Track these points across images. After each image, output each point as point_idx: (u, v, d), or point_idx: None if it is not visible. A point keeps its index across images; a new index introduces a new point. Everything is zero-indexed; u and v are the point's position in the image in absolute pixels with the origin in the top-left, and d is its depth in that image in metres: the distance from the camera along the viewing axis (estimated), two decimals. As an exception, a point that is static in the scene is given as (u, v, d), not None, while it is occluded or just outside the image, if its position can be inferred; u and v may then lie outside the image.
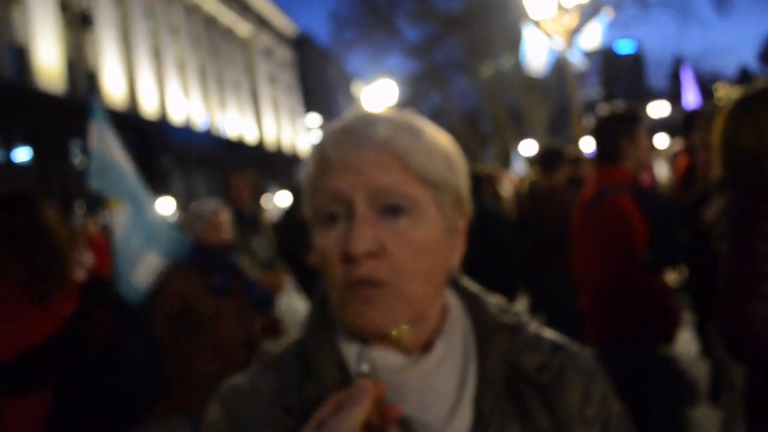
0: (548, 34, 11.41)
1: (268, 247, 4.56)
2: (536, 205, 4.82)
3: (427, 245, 0.73)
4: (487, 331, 0.80)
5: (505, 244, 4.46)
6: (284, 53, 42.06)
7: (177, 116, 26.86)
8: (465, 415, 0.75)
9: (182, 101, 27.66)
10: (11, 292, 1.92)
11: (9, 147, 17.84)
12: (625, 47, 72.23)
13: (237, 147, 31.88)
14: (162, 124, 25.21)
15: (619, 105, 2.89)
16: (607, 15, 12.42)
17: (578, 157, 5.30)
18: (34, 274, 1.93)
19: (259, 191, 5.33)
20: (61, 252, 2.01)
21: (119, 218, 4.06)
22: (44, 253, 1.96)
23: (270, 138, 36.92)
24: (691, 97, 9.29)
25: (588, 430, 0.80)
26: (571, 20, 10.96)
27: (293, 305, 4.49)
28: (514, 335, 0.80)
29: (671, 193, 4.60)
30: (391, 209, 0.71)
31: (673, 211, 3.22)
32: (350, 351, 0.77)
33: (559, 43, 11.18)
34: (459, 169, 0.78)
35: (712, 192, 1.86)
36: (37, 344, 1.91)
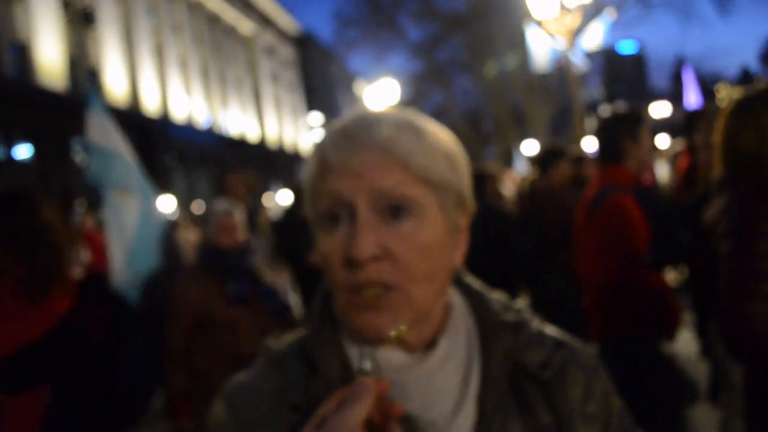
0: (551, 34, 11.40)
1: (266, 246, 4.56)
2: (536, 205, 4.83)
3: (430, 246, 0.72)
4: (490, 329, 0.80)
5: (508, 243, 4.46)
6: (287, 52, 42.05)
7: (179, 114, 26.87)
8: (468, 413, 0.75)
9: (184, 99, 27.66)
10: (10, 291, 1.93)
11: (10, 144, 17.86)
12: (627, 48, 72.12)
13: (239, 145, 31.88)
14: (164, 121, 25.22)
15: (623, 106, 2.92)
16: (609, 15, 12.42)
17: (581, 157, 5.29)
18: (33, 273, 1.94)
19: (253, 190, 5.31)
20: (60, 251, 2.02)
21: (128, 211, 3.92)
22: (43, 253, 1.97)
23: (272, 136, 36.92)
24: (692, 98, 9.28)
25: (589, 426, 0.80)
26: (574, 20, 10.95)
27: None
28: (517, 333, 0.80)
29: (672, 194, 4.60)
30: (394, 211, 0.71)
31: (674, 211, 3.23)
32: (354, 349, 0.78)
33: (561, 43, 11.18)
34: (461, 168, 0.77)
35: (712, 192, 1.86)
36: (35, 341, 1.92)
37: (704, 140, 2.83)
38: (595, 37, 11.65)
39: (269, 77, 38.09)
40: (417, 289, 0.72)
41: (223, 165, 22.53)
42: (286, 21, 41.83)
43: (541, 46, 12.27)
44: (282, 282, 4.42)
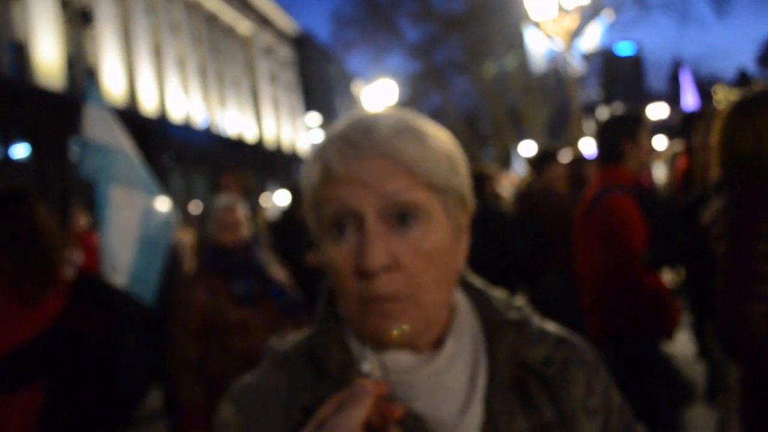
0: (549, 36, 11.42)
1: (264, 246, 4.56)
2: (531, 206, 4.87)
3: (438, 251, 0.73)
4: (495, 328, 0.81)
5: (506, 243, 4.48)
6: (285, 52, 42.03)
7: (177, 114, 26.84)
8: (476, 411, 0.76)
9: (182, 99, 27.63)
10: (3, 291, 1.94)
11: (7, 144, 17.81)
12: (624, 49, 72.24)
13: (237, 145, 31.85)
14: (162, 121, 25.20)
15: (621, 107, 2.95)
16: (607, 17, 12.45)
17: (582, 157, 5.31)
18: (27, 274, 1.95)
19: (250, 190, 5.29)
20: (54, 252, 2.02)
21: (132, 207, 3.74)
22: (37, 254, 1.98)
23: (270, 136, 36.90)
24: (689, 99, 9.31)
25: (592, 420, 0.81)
26: (572, 22, 10.97)
27: None
28: (521, 330, 0.81)
29: (669, 195, 4.62)
30: (401, 218, 0.71)
31: (672, 211, 3.25)
32: (361, 350, 0.78)
33: (559, 44, 11.20)
34: (461, 168, 0.77)
35: (710, 193, 1.87)
36: (29, 341, 1.93)
37: (702, 142, 2.86)
38: (592, 38, 11.67)
39: (267, 77, 38.08)
40: (428, 296, 0.72)
41: (220, 165, 22.50)
42: (285, 21, 41.82)
43: (539, 48, 12.30)
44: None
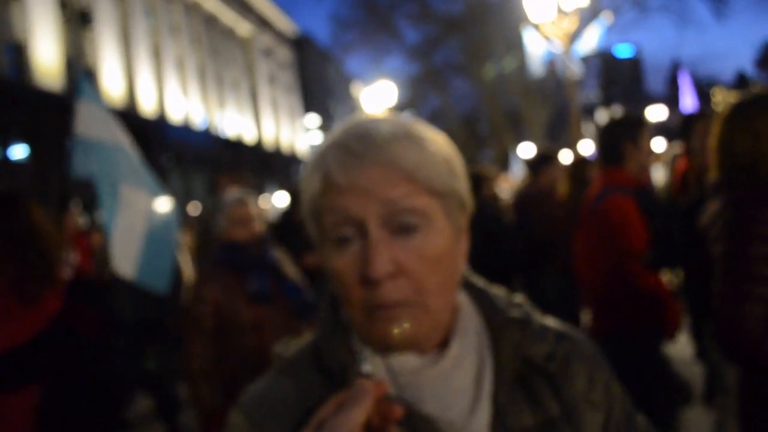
0: (547, 38, 11.43)
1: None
2: (526, 208, 4.90)
3: (441, 256, 0.73)
4: (498, 326, 0.82)
5: (502, 244, 4.51)
6: (284, 53, 42.04)
7: (176, 115, 26.83)
8: (485, 410, 0.76)
9: (181, 100, 27.63)
10: (4, 292, 1.95)
11: (6, 144, 17.80)
12: (623, 51, 72.39)
13: (235, 146, 31.84)
14: (160, 122, 25.19)
15: (620, 110, 2.97)
16: (606, 19, 12.47)
17: (585, 159, 5.33)
18: (27, 275, 1.96)
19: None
20: (51, 253, 2.04)
21: (137, 205, 3.66)
22: (35, 255, 1.99)
23: (269, 138, 36.90)
24: (688, 101, 9.34)
25: (595, 413, 0.83)
26: (571, 24, 10.99)
27: None
28: (524, 328, 0.82)
29: (668, 196, 4.63)
30: (403, 225, 0.71)
31: (673, 212, 3.26)
32: (361, 351, 0.78)
33: (558, 46, 11.21)
34: (459, 172, 0.78)
35: (708, 195, 1.88)
36: (27, 341, 1.94)
37: (700, 144, 2.87)
38: (591, 40, 11.70)
39: (266, 79, 38.08)
40: (433, 300, 0.73)
41: (219, 166, 22.50)
42: (284, 23, 41.83)
43: (538, 50, 12.32)
44: None
